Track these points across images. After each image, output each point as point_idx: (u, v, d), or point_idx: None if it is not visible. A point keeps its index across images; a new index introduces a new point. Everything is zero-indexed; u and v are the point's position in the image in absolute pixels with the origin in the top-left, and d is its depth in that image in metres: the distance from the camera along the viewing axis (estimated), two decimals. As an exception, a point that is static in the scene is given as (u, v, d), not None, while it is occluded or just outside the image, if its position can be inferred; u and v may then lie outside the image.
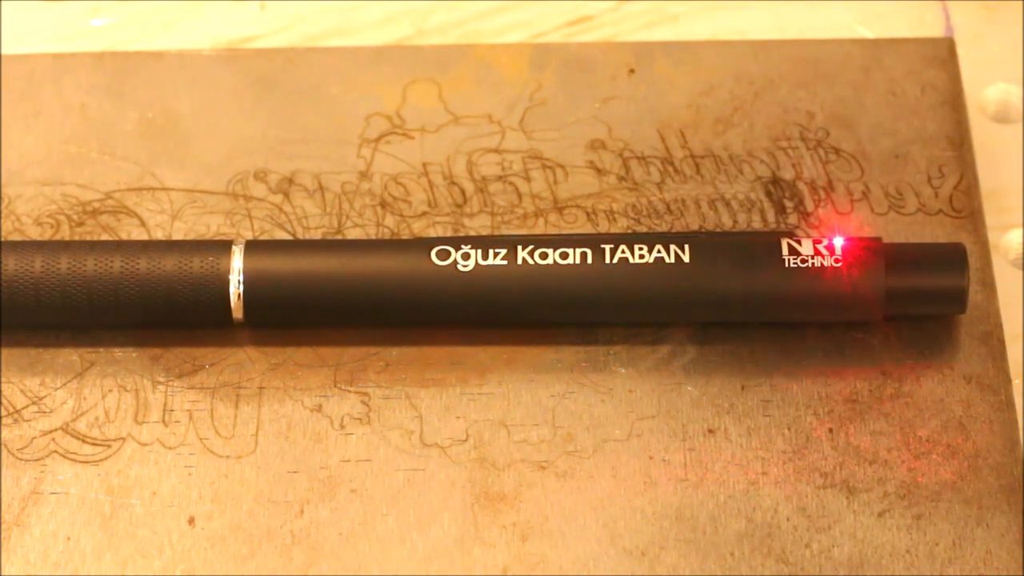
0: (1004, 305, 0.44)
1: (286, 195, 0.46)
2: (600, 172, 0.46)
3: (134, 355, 0.43)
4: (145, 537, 0.40)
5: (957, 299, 0.42)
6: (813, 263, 0.41)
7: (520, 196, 0.46)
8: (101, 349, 0.43)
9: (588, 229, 0.45)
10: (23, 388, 0.42)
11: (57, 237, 0.45)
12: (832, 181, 0.46)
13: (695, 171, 0.46)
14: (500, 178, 0.46)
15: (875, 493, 0.41)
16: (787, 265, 0.41)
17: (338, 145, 0.47)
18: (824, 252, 0.41)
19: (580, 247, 0.41)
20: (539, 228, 0.45)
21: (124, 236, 0.45)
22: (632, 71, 0.48)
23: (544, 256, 0.41)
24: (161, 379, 0.42)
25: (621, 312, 0.42)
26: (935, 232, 0.45)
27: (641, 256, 0.41)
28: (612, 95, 0.48)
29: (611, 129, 0.47)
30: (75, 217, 0.45)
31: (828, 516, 0.40)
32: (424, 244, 0.42)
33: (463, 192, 0.46)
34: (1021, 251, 0.47)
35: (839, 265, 0.41)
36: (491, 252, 0.41)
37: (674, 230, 0.44)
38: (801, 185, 0.46)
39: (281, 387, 0.42)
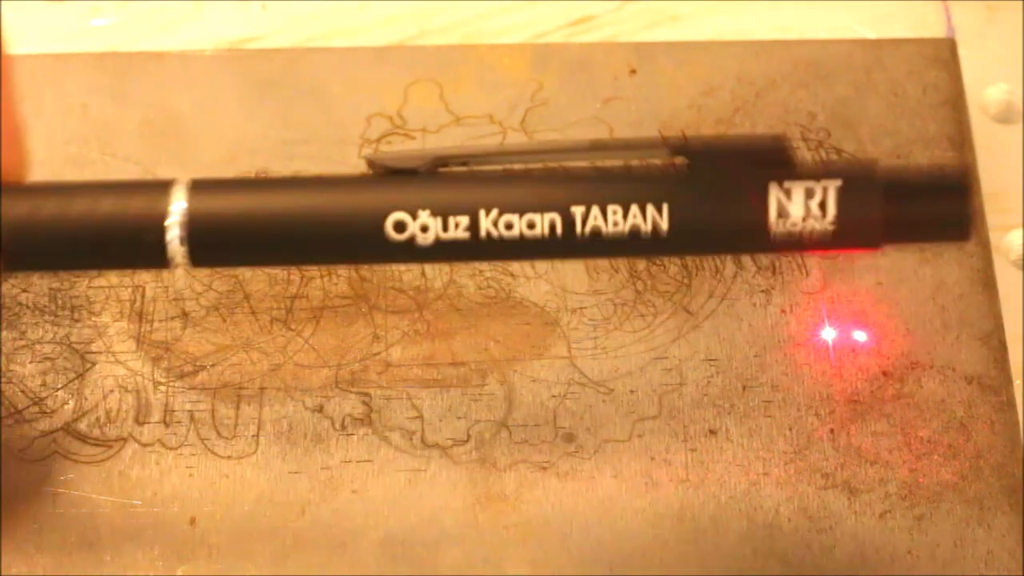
0: (1005, 305, 0.44)
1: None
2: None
3: (135, 355, 0.43)
4: (146, 537, 0.40)
5: (961, 226, 0.36)
6: (803, 228, 0.35)
7: (521, 196, 0.46)
8: (102, 349, 0.43)
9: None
10: (24, 388, 0.42)
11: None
12: (833, 182, 0.46)
13: (696, 171, 0.46)
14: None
15: (876, 494, 0.41)
16: (774, 231, 0.35)
17: (339, 145, 0.47)
18: (816, 212, 0.35)
19: (548, 212, 0.36)
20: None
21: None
22: (633, 71, 0.48)
23: (509, 227, 0.36)
24: (162, 379, 0.42)
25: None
26: (936, 233, 0.45)
27: (615, 224, 0.36)
28: (613, 95, 0.48)
29: (612, 129, 0.47)
30: (76, 217, 0.45)
31: (829, 517, 0.40)
32: (379, 213, 0.36)
33: (464, 192, 0.46)
34: (1022, 251, 0.47)
35: (832, 229, 0.35)
36: (451, 223, 0.36)
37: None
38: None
39: (282, 388, 0.42)
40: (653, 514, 0.40)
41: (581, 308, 0.43)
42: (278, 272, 0.44)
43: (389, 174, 0.36)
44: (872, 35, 0.51)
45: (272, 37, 0.52)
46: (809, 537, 0.40)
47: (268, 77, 0.48)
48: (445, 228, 0.36)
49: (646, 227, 0.36)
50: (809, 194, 0.35)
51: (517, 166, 0.37)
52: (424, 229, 0.36)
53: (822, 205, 0.35)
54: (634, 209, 0.36)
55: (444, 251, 0.36)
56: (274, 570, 0.40)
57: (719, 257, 0.44)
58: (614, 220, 0.36)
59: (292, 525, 0.40)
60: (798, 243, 0.35)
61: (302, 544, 0.40)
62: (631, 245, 0.36)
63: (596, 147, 0.38)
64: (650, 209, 0.36)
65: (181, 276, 0.38)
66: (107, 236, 0.36)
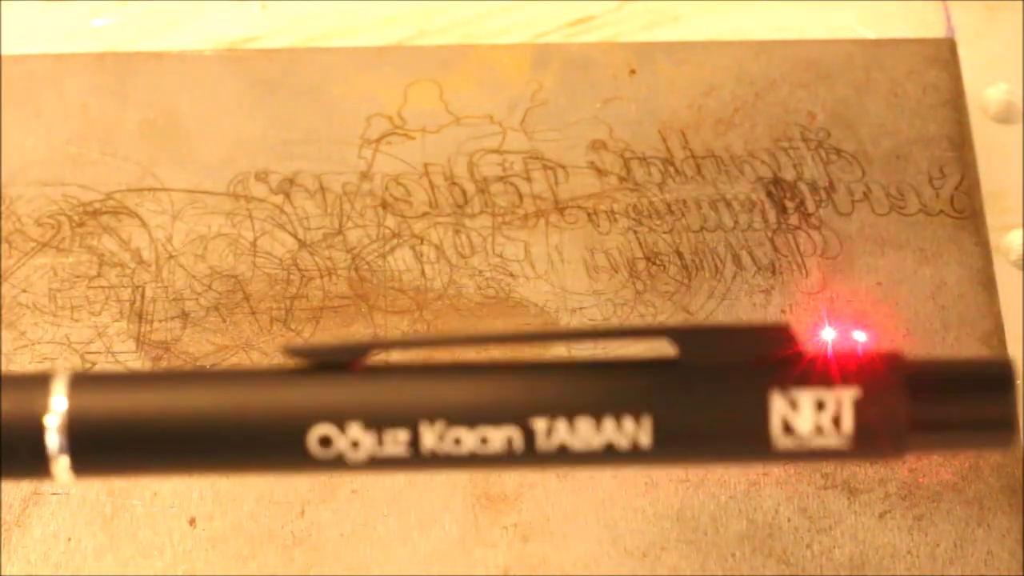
0: (1005, 305, 0.44)
1: (287, 196, 0.46)
2: (601, 173, 0.46)
3: (135, 355, 0.43)
4: (146, 538, 0.40)
5: (1004, 432, 0.30)
6: (812, 446, 0.29)
7: (521, 197, 0.46)
8: (102, 349, 0.43)
9: (589, 229, 0.45)
10: (24, 389, 0.42)
11: (58, 237, 0.45)
12: (833, 182, 0.46)
13: (696, 172, 0.46)
14: (501, 179, 0.46)
15: (876, 494, 0.40)
16: (775, 450, 0.29)
17: (339, 145, 0.47)
18: (828, 428, 0.29)
19: (505, 426, 0.29)
20: (540, 228, 0.45)
21: (125, 237, 0.45)
22: (633, 72, 0.48)
23: (458, 442, 0.29)
24: (162, 380, 0.42)
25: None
26: (936, 232, 0.45)
27: (587, 441, 0.29)
28: (613, 96, 0.48)
29: (612, 130, 0.47)
30: (76, 218, 0.45)
31: (829, 517, 0.40)
32: (300, 425, 0.29)
33: (464, 193, 0.46)
34: (1022, 251, 0.47)
35: (847, 449, 0.29)
36: (388, 438, 0.29)
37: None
38: (802, 185, 0.46)
39: (282, 388, 0.42)
40: (653, 514, 0.40)
41: (581, 308, 0.43)
42: (278, 272, 0.44)
43: (313, 369, 0.30)
44: (872, 35, 0.51)
45: (272, 37, 0.52)
46: (809, 537, 0.40)
47: (268, 77, 0.48)
48: (380, 443, 0.29)
49: (624, 443, 0.29)
50: (820, 406, 0.29)
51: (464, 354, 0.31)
52: (355, 445, 0.29)
53: (836, 419, 0.29)
54: (609, 424, 0.29)
55: (381, 468, 0.30)
56: (274, 570, 0.40)
57: (718, 258, 0.44)
58: (585, 437, 0.29)
59: (292, 525, 0.40)
60: (805, 458, 0.29)
61: (302, 544, 0.40)
62: (607, 463, 0.29)
63: (556, 336, 0.33)
64: (628, 423, 0.29)
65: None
66: None
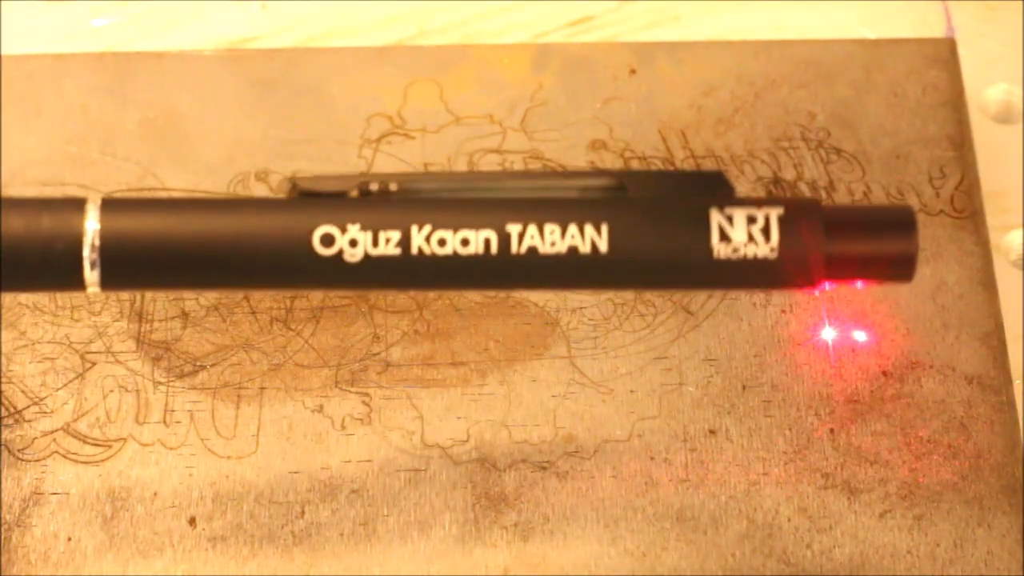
0: (1005, 305, 0.44)
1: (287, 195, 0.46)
2: (601, 172, 0.46)
3: (135, 355, 0.43)
4: (146, 538, 0.40)
5: (905, 266, 0.36)
6: (746, 253, 0.35)
7: (521, 196, 0.46)
8: (102, 349, 0.43)
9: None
10: (24, 388, 0.42)
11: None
12: (833, 181, 0.46)
13: (696, 171, 0.46)
14: (501, 178, 0.46)
15: (876, 494, 0.41)
16: (716, 256, 0.35)
17: (339, 145, 0.47)
18: (759, 237, 0.35)
19: (483, 230, 0.35)
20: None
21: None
22: (633, 71, 0.48)
23: (443, 243, 0.34)
24: (162, 379, 0.42)
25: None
26: (936, 232, 0.45)
27: (552, 244, 0.34)
28: (613, 95, 0.48)
29: (612, 129, 0.47)
30: (76, 217, 0.45)
31: (829, 517, 0.40)
32: (305, 227, 0.35)
33: (464, 192, 0.46)
34: (1022, 251, 0.47)
35: (774, 257, 0.35)
36: (382, 238, 0.34)
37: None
38: (802, 185, 0.46)
39: (282, 388, 0.42)
40: (652, 514, 0.40)
41: (581, 308, 0.43)
42: (278, 272, 0.44)
43: (315, 196, 0.35)
44: (872, 35, 0.51)
45: (272, 37, 0.52)
46: (809, 537, 0.40)
47: (268, 77, 0.48)
48: (375, 243, 0.34)
49: (584, 247, 0.34)
50: (751, 220, 0.35)
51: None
52: (353, 244, 0.34)
53: (765, 231, 0.34)
54: (572, 229, 0.34)
55: (374, 269, 0.34)
56: (274, 570, 0.40)
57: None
58: (551, 239, 0.34)
59: (292, 525, 0.40)
60: (740, 269, 0.35)
61: (302, 544, 0.40)
62: (570, 266, 0.35)
63: (531, 176, 0.38)
64: (589, 229, 0.34)
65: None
66: (14, 257, 0.34)
